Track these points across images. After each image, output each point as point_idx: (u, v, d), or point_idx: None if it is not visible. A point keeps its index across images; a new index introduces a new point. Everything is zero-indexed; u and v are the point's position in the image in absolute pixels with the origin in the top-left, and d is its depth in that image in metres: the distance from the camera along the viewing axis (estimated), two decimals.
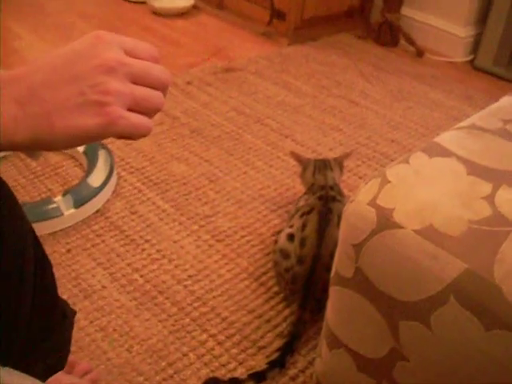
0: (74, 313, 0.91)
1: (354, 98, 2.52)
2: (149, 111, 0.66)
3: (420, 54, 2.95)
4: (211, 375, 1.31)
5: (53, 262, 1.55)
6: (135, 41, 0.68)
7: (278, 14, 2.97)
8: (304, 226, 1.45)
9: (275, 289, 1.55)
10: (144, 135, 0.66)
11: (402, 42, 3.03)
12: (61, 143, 0.62)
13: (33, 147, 0.63)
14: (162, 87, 0.68)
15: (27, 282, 0.70)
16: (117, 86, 0.62)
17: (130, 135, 0.65)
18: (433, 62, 2.91)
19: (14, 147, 0.60)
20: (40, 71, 0.62)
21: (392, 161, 2.09)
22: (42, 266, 0.76)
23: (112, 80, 0.62)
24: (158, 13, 3.25)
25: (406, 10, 3.04)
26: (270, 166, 2.03)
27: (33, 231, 0.75)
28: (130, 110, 0.64)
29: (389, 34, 3.02)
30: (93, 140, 0.64)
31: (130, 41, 0.67)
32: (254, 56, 2.83)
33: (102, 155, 1.90)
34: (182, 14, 3.28)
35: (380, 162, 2.08)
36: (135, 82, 0.65)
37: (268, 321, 1.46)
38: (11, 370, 0.68)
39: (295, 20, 2.94)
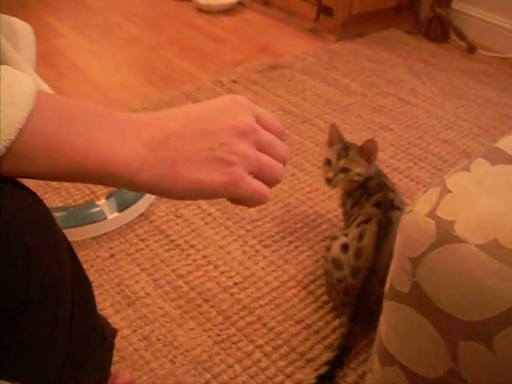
0: (114, 332, 0.86)
1: (404, 95, 2.44)
2: (269, 181, 0.68)
3: (471, 49, 2.85)
4: None
5: (96, 267, 1.55)
6: (265, 111, 0.70)
7: (325, 10, 2.90)
8: (361, 236, 1.37)
9: (324, 298, 1.49)
10: (260, 203, 0.68)
11: (453, 37, 2.93)
12: (179, 193, 0.63)
13: (152, 192, 0.63)
14: (281, 161, 0.69)
15: (64, 306, 0.66)
16: (245, 149, 0.64)
17: (248, 200, 0.66)
18: (485, 58, 2.81)
19: (134, 187, 0.62)
20: (175, 121, 0.63)
21: (445, 162, 2.02)
22: (81, 286, 0.71)
23: (241, 142, 0.64)
24: (202, 10, 3.22)
25: (456, 4, 2.94)
26: (318, 167, 1.96)
27: (70, 248, 0.70)
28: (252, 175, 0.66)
29: (439, 29, 2.93)
30: (210, 197, 0.65)
31: (260, 110, 0.69)
32: (300, 53, 2.77)
33: None
34: (226, 10, 3.23)
35: (432, 164, 2.01)
36: (260, 150, 0.66)
37: (317, 332, 1.40)
38: None
39: (343, 16, 2.88)
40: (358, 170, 1.46)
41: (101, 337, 0.80)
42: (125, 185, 0.61)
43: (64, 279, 0.66)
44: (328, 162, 1.49)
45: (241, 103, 0.66)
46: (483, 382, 0.93)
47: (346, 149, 1.48)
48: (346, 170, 1.46)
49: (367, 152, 1.48)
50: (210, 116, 0.64)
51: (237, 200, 0.67)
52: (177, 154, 0.61)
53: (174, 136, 0.61)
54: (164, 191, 0.62)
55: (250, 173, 0.65)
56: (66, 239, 0.69)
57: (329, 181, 1.47)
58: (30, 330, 0.62)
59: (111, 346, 0.84)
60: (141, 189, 0.62)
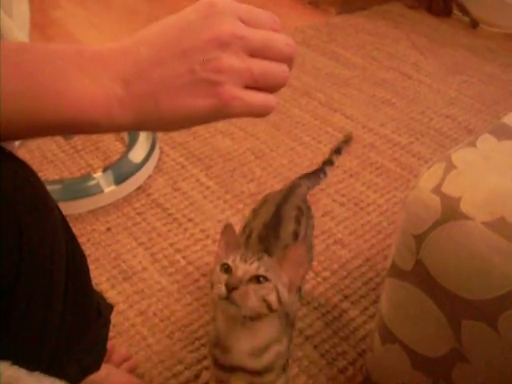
0: (110, 308, 0.84)
1: (406, 70, 2.41)
2: (270, 87, 0.60)
3: (474, 24, 2.81)
4: None
5: (92, 240, 1.52)
6: (252, 8, 0.61)
7: None
8: None
9: (324, 274, 1.47)
10: (265, 114, 0.60)
11: (456, 11, 2.89)
12: (168, 126, 0.59)
13: (137, 129, 0.59)
14: (285, 60, 0.60)
15: (58, 281, 0.64)
16: (231, 62, 0.57)
17: (249, 115, 0.60)
18: (488, 34, 2.76)
19: (116, 130, 0.57)
20: (147, 45, 0.57)
21: (447, 138, 1.99)
22: (75, 261, 0.69)
23: (226, 55, 0.57)
24: None
25: None
26: (318, 141, 1.94)
27: (65, 222, 0.68)
28: (248, 87, 0.58)
29: (441, 4, 2.88)
30: (204, 122, 0.59)
31: (246, 8, 0.60)
32: (300, 26, 2.73)
33: None
34: None
35: (434, 139, 1.98)
36: (254, 56, 0.59)
37: (316, 308, 1.38)
38: (40, 375, 0.62)
39: None
40: (280, 286, 0.90)
41: (96, 313, 0.78)
42: (106, 129, 0.56)
43: (58, 253, 0.63)
44: (226, 269, 0.89)
45: (217, 8, 0.58)
46: (486, 362, 0.91)
47: (254, 253, 0.92)
48: (259, 280, 0.87)
49: (292, 268, 0.93)
50: (185, 32, 0.57)
51: (239, 117, 0.61)
52: (156, 86, 0.56)
53: (148, 66, 0.56)
54: (151, 127, 0.58)
55: (244, 86, 0.58)
56: (60, 213, 0.67)
57: (231, 290, 0.85)
58: (22, 305, 0.60)
59: (107, 323, 0.82)
60: (126, 129, 0.58)
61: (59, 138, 1.91)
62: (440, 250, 0.88)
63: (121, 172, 1.69)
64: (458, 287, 0.87)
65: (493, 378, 0.91)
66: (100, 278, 1.44)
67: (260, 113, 0.60)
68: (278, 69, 0.60)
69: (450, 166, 0.91)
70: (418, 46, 2.59)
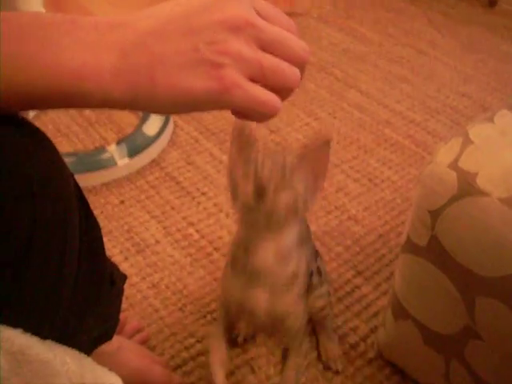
0: (123, 278, 0.84)
1: (422, 47, 2.38)
2: (279, 88, 0.56)
3: (492, 2, 2.76)
4: (268, 338, 1.25)
5: (105, 213, 1.53)
6: (272, 5, 0.57)
7: None
8: None
9: (337, 250, 1.46)
10: (269, 116, 0.56)
11: None
12: (161, 104, 0.54)
13: (131, 108, 0.55)
14: (297, 63, 0.57)
15: (71, 248, 0.63)
16: (240, 47, 0.53)
17: (249, 110, 0.55)
18: (506, 12, 2.72)
19: (110, 104, 0.53)
20: (152, 18, 0.54)
21: (462, 116, 1.97)
22: (89, 229, 0.69)
23: (235, 40, 0.53)
24: None
25: None
26: (333, 117, 1.93)
27: (79, 190, 0.68)
28: (254, 81, 0.54)
29: None
30: (201, 108, 0.55)
31: (265, 3, 0.56)
32: (317, 1, 2.70)
33: None
34: None
35: (450, 117, 1.96)
36: (266, 51, 0.55)
37: None
38: (52, 343, 0.62)
39: None
40: (302, 189, 0.83)
41: (109, 282, 0.78)
42: (99, 102, 0.52)
43: (71, 219, 0.63)
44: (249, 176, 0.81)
45: None
46: (500, 340, 0.91)
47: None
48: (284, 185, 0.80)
49: (314, 168, 0.85)
50: (196, 10, 0.53)
51: (240, 113, 0.57)
52: (154, 58, 0.52)
53: (150, 36, 0.52)
54: (143, 104, 0.54)
55: (250, 78, 0.54)
56: (74, 180, 0.67)
57: (261, 190, 0.79)
58: (34, 271, 0.59)
59: (120, 292, 0.82)
60: (117, 105, 0.53)
61: (73, 111, 1.91)
62: (455, 226, 0.87)
63: (134, 145, 1.68)
64: (472, 263, 0.87)
65: (506, 355, 0.91)
66: (113, 251, 1.44)
67: (262, 110, 0.55)
68: (289, 69, 0.56)
69: (467, 141, 0.90)
70: (435, 24, 2.56)
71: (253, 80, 0.54)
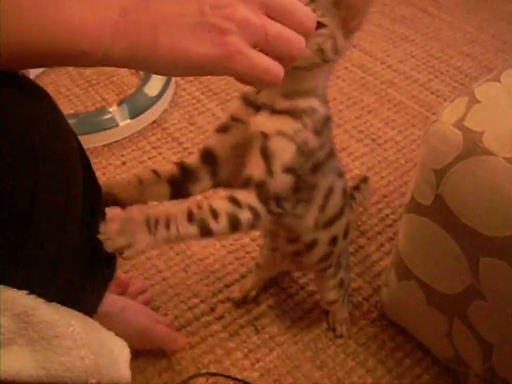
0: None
1: (426, 6, 2.34)
2: (282, 55, 0.55)
3: None
4: (271, 297, 1.25)
5: (107, 174, 1.52)
6: None
7: None
8: None
9: None
10: (270, 83, 0.56)
11: None
12: (161, 66, 0.53)
13: (130, 66, 0.54)
14: (302, 31, 0.56)
15: (75, 209, 0.63)
16: (246, 13, 0.52)
17: (251, 78, 0.55)
18: None
19: (109, 62, 0.52)
20: None
21: (466, 76, 1.95)
22: (92, 190, 0.68)
23: (242, 6, 0.52)
24: None
25: None
26: (336, 77, 1.90)
27: (82, 150, 0.67)
28: (258, 48, 0.54)
29: None
30: (202, 73, 0.55)
31: None
32: None
33: None
34: None
35: (454, 78, 1.94)
36: (271, 17, 0.54)
37: None
38: (58, 305, 0.62)
39: None
40: (336, 33, 0.79)
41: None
42: (98, 59, 0.51)
43: (74, 179, 0.62)
44: None
45: None
46: (503, 300, 0.91)
47: None
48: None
49: (352, 7, 0.79)
50: None
51: (242, 79, 0.56)
52: (157, 18, 0.51)
53: None
54: (143, 64, 0.53)
55: (254, 45, 0.53)
56: (77, 141, 0.66)
57: None
58: (39, 233, 0.59)
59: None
60: (116, 63, 0.52)
61: (73, 72, 1.89)
62: (461, 185, 0.87)
63: (136, 106, 1.67)
64: (477, 223, 0.86)
65: (509, 315, 0.91)
66: None
67: (264, 78, 0.55)
68: (294, 36, 0.55)
69: (473, 100, 0.89)
70: None
71: (256, 46, 0.54)
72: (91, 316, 0.73)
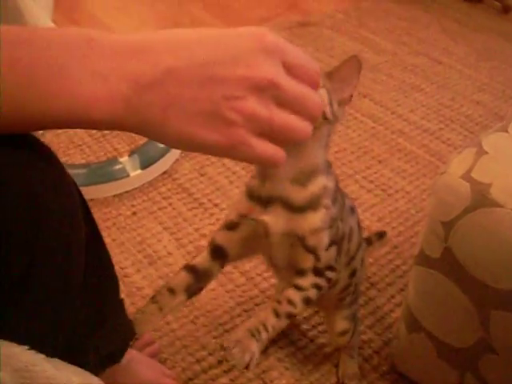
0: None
1: (436, 56, 2.36)
2: (287, 141, 0.59)
3: (506, 9, 2.75)
4: (280, 350, 1.24)
5: (117, 225, 1.52)
6: (300, 54, 0.58)
7: None
8: None
9: None
10: (271, 167, 0.63)
11: None
12: (169, 143, 0.56)
13: (140, 134, 0.55)
14: (310, 118, 0.59)
15: (77, 265, 0.62)
16: (255, 107, 0.54)
17: (253, 163, 0.61)
18: None
19: (119, 129, 0.54)
20: (174, 54, 0.53)
21: (477, 124, 1.95)
22: (96, 245, 0.68)
23: (253, 99, 0.54)
24: None
25: None
26: (346, 127, 1.91)
27: (86, 206, 0.67)
28: (264, 135, 0.57)
29: None
30: (206, 153, 0.57)
31: (295, 53, 0.58)
32: (330, 10, 2.69)
33: None
34: None
35: (464, 126, 1.94)
36: (281, 106, 0.57)
37: None
38: (59, 361, 0.61)
39: None
40: (331, 96, 0.82)
41: (119, 301, 0.76)
42: (108, 127, 0.54)
43: (76, 235, 0.62)
44: None
45: (268, 47, 0.54)
46: None
47: None
48: None
49: (344, 79, 0.84)
50: (222, 58, 0.53)
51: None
52: (169, 100, 0.52)
53: (167, 76, 0.52)
54: (152, 137, 0.55)
55: (259, 134, 0.56)
56: (81, 197, 0.66)
57: None
58: (37, 288, 0.58)
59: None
60: (129, 131, 0.55)
61: None
62: (469, 238, 0.86)
63: (147, 156, 1.68)
64: (487, 276, 0.85)
65: None
66: (125, 263, 1.44)
67: (265, 164, 0.60)
68: (300, 125, 0.59)
69: (481, 151, 0.89)
70: (449, 31, 2.54)
71: (263, 134, 0.57)
72: (96, 375, 0.72)
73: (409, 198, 1.63)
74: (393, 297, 1.35)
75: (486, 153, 0.89)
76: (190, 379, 1.19)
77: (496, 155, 0.88)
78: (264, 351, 1.22)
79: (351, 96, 0.85)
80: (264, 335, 0.83)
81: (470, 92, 2.14)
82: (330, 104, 0.81)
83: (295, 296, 0.87)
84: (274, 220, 0.85)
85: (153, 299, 0.85)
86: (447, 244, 0.89)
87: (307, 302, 0.88)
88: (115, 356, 0.77)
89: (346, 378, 1.17)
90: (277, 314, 0.85)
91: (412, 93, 2.12)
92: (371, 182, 1.69)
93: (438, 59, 2.34)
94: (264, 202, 0.85)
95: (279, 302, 0.86)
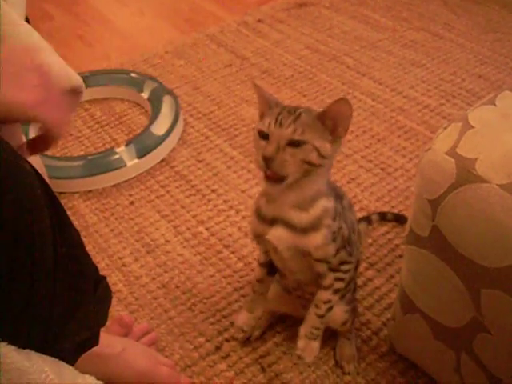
0: (105, 284, 0.82)
1: (437, 30, 2.32)
2: None
3: None
4: (277, 335, 1.23)
5: (115, 215, 1.52)
6: None
7: None
8: None
9: None
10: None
11: None
12: None
13: None
14: None
15: (43, 256, 0.62)
16: None
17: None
18: None
19: None
20: None
21: (479, 98, 1.92)
22: (65, 236, 0.67)
23: None
24: None
25: None
26: None
27: (50, 196, 0.66)
28: None
29: None
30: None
31: None
32: None
33: (166, 101, 1.81)
34: None
35: (466, 101, 1.91)
36: None
37: None
38: (31, 352, 0.61)
39: None
40: (319, 143, 0.87)
41: (93, 287, 0.76)
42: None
43: (39, 228, 0.61)
44: (263, 136, 0.89)
45: None
46: (506, 332, 0.87)
47: (291, 112, 0.89)
48: (296, 144, 0.86)
49: (335, 118, 0.89)
50: None
51: None
52: None
53: None
54: None
55: None
56: (43, 186, 0.65)
57: (268, 160, 0.86)
58: (4, 282, 0.58)
59: (105, 298, 0.80)
60: None
61: (84, 114, 1.91)
62: (456, 215, 0.84)
63: (143, 145, 1.67)
64: (475, 254, 0.83)
65: None
66: (123, 252, 1.43)
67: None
68: None
69: (467, 126, 0.87)
70: (450, 5, 2.50)
71: None
72: (74, 361, 0.72)
73: (408, 175, 1.61)
74: (392, 277, 1.33)
75: (472, 127, 0.87)
76: (188, 366, 1.18)
77: (482, 129, 0.86)
78: (261, 336, 1.22)
79: (346, 131, 0.91)
80: (317, 334, 1.03)
81: (471, 66, 2.10)
82: (318, 150, 0.87)
83: (326, 295, 1.01)
84: (279, 238, 0.95)
85: (253, 289, 1.09)
86: (434, 222, 0.87)
87: (338, 292, 1.02)
88: (91, 341, 0.76)
89: (343, 360, 1.16)
90: (320, 316, 1.02)
91: (412, 69, 2.09)
92: (370, 161, 1.67)
93: (439, 34, 2.30)
94: (269, 220, 0.95)
95: (317, 306, 1.02)
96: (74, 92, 0.76)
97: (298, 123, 0.87)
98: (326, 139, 0.89)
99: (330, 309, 1.02)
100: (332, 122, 0.89)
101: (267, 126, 0.88)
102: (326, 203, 0.93)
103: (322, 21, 2.39)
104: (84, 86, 0.79)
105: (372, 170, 1.63)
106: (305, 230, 0.93)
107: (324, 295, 1.01)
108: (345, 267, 1.00)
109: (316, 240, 0.94)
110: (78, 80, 0.77)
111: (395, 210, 1.51)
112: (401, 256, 1.37)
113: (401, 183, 1.59)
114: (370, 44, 2.24)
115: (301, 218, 0.92)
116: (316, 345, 1.04)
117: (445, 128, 0.90)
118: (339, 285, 1.01)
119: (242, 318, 1.10)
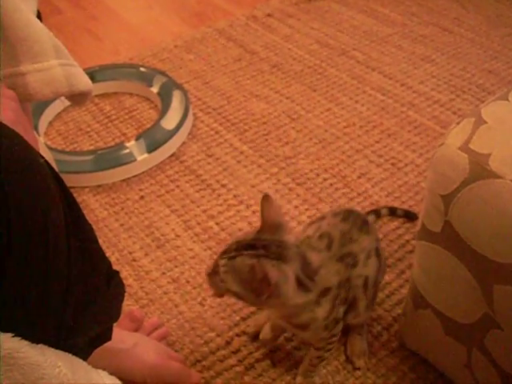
0: (119, 280, 0.82)
1: (447, 25, 2.31)
2: None
3: None
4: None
5: (126, 209, 1.52)
6: None
7: None
8: None
9: None
10: None
11: None
12: None
13: None
14: None
15: (57, 250, 0.62)
16: None
17: None
18: None
19: None
20: None
21: (489, 94, 1.91)
22: (79, 230, 0.67)
23: None
24: None
25: None
26: (355, 101, 1.89)
27: (65, 192, 0.66)
28: None
29: None
30: None
31: None
32: None
33: (176, 96, 1.81)
34: None
35: (476, 96, 1.90)
36: None
37: None
38: (44, 347, 0.61)
39: None
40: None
41: (106, 282, 0.76)
42: None
43: (52, 223, 0.61)
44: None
45: None
46: None
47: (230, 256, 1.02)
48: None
49: (269, 217, 0.96)
50: None
51: None
52: None
53: None
54: None
55: None
56: (59, 183, 0.65)
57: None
58: (19, 277, 0.58)
59: (120, 292, 0.81)
60: None
61: (94, 109, 1.91)
62: (469, 211, 0.84)
63: (153, 140, 1.67)
64: (488, 249, 0.83)
65: None
66: (134, 247, 1.44)
67: None
68: None
69: (480, 121, 0.87)
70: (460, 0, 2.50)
71: None
72: (86, 355, 0.72)
73: (419, 171, 1.61)
74: (403, 272, 1.33)
75: (485, 122, 0.86)
76: (199, 361, 1.19)
77: (495, 125, 0.86)
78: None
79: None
80: (316, 371, 1.14)
81: (481, 61, 2.09)
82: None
83: (318, 353, 1.09)
84: (274, 314, 1.09)
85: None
86: (447, 218, 0.87)
87: (330, 350, 1.09)
88: (104, 336, 0.76)
89: (354, 355, 1.16)
90: (314, 365, 1.12)
91: (422, 64, 2.08)
92: (380, 156, 1.66)
93: (449, 28, 2.29)
94: None
95: (311, 360, 1.11)
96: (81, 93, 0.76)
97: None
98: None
99: (323, 360, 1.12)
100: (273, 227, 0.95)
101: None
102: (312, 315, 0.99)
103: (331, 15, 2.39)
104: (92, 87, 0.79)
105: (382, 165, 1.63)
106: (296, 326, 1.03)
107: (316, 353, 1.09)
108: (334, 338, 1.07)
109: (305, 335, 1.06)
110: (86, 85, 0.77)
111: (405, 205, 1.50)
112: (411, 251, 1.37)
113: (411, 178, 1.59)
114: (380, 38, 2.23)
115: (290, 323, 1.03)
116: (316, 379, 1.14)
117: (458, 123, 0.90)
118: (330, 346, 1.08)
119: (265, 330, 1.19)
